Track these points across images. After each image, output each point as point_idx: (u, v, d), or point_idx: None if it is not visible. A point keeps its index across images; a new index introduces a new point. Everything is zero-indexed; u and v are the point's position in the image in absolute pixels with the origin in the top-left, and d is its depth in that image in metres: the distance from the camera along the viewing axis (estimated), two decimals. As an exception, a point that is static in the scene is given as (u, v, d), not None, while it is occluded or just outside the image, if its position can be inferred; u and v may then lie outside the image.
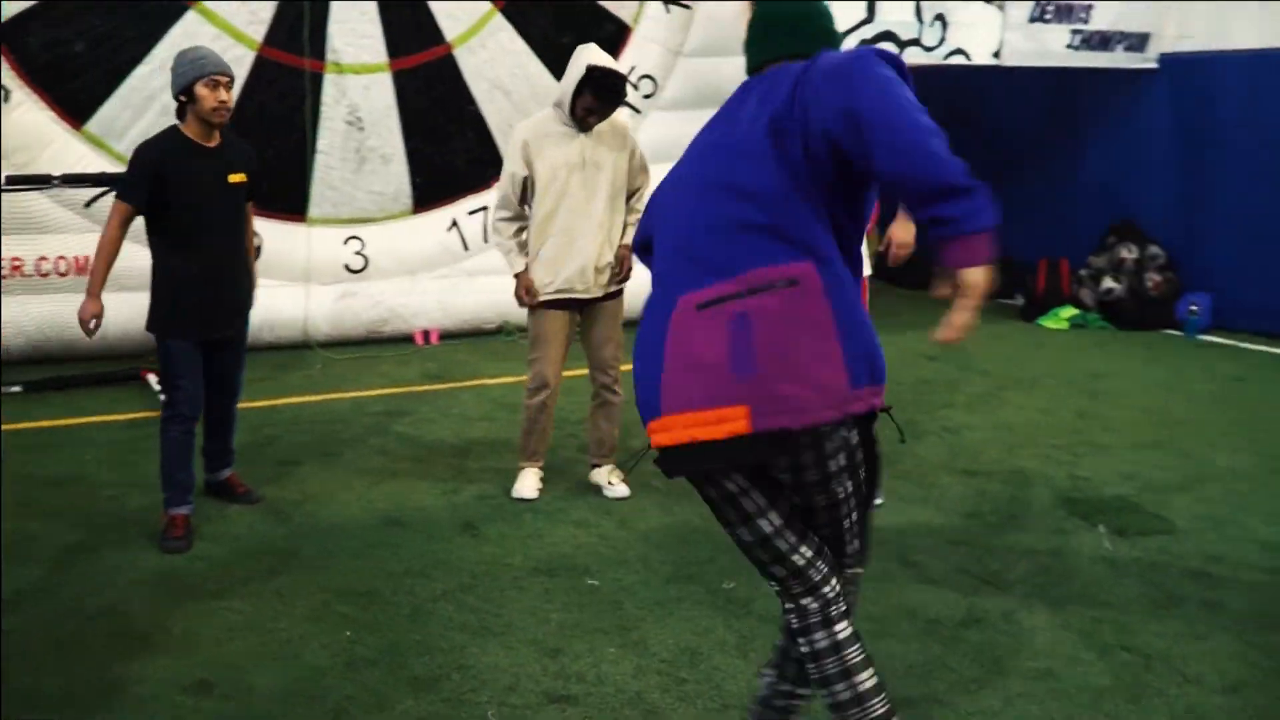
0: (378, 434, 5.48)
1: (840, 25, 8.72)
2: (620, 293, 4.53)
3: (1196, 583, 3.76)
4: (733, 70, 9.00)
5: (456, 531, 4.20)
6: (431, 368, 6.91)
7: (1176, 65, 8.41)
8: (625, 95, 4.36)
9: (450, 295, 7.67)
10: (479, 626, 3.41)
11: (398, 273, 7.54)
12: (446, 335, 7.68)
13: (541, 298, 4.43)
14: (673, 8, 7.91)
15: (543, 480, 4.62)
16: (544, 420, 4.56)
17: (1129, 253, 8.44)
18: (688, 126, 8.23)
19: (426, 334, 7.62)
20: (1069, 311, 8.50)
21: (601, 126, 4.37)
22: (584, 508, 4.44)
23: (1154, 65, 8.48)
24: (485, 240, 7.74)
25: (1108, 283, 8.42)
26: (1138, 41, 8.38)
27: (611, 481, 4.59)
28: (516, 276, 4.44)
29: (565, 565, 3.89)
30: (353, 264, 7.39)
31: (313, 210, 7.26)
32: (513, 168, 4.39)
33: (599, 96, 4.28)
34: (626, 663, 3.19)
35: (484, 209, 7.70)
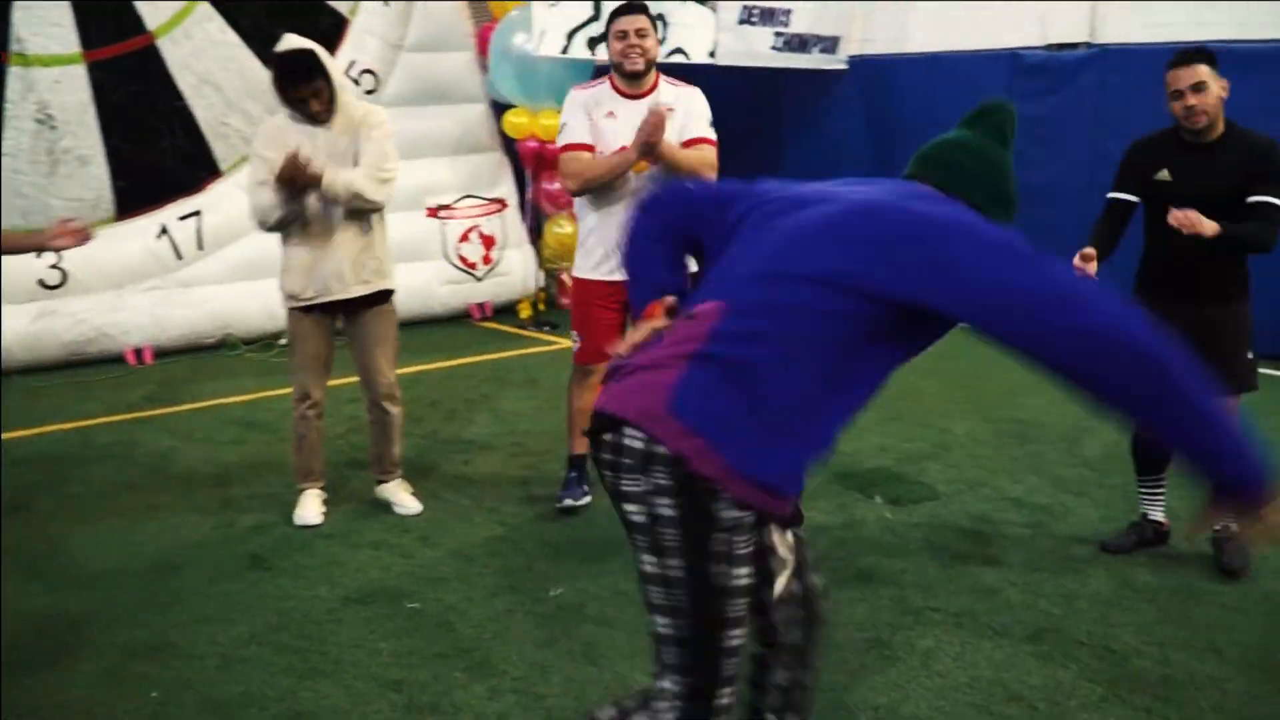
0: (117, 467, 4.92)
1: (568, 24, 8.59)
2: (389, 295, 4.23)
3: (972, 542, 4.12)
4: (453, 66, 8.77)
5: (244, 567, 3.85)
6: (154, 389, 6.29)
7: (863, 67, 9.13)
8: (322, 67, 3.96)
9: (164, 309, 7.01)
10: (305, 668, 3.15)
11: (102, 287, 6.79)
12: (162, 353, 7.02)
13: (298, 304, 4.14)
14: (391, 1, 7.64)
15: (325, 502, 4.33)
16: (311, 434, 4.27)
17: (833, 241, 9.09)
18: (410, 122, 7.90)
19: (139, 352, 6.93)
20: (784, 297, 9.02)
21: (339, 118, 4.05)
22: (378, 527, 4.21)
23: (844, 66, 9.17)
24: (200, 247, 7.14)
25: (816, 269, 9.03)
26: (830, 44, 9.02)
27: (402, 497, 4.38)
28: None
29: (378, 590, 3.67)
30: (48, 279, 6.57)
31: (-5, 220, 6.39)
32: (259, 176, 4.00)
33: (292, 81, 3.97)
34: (477, 686, 3.06)
35: (197, 214, 7.10)
